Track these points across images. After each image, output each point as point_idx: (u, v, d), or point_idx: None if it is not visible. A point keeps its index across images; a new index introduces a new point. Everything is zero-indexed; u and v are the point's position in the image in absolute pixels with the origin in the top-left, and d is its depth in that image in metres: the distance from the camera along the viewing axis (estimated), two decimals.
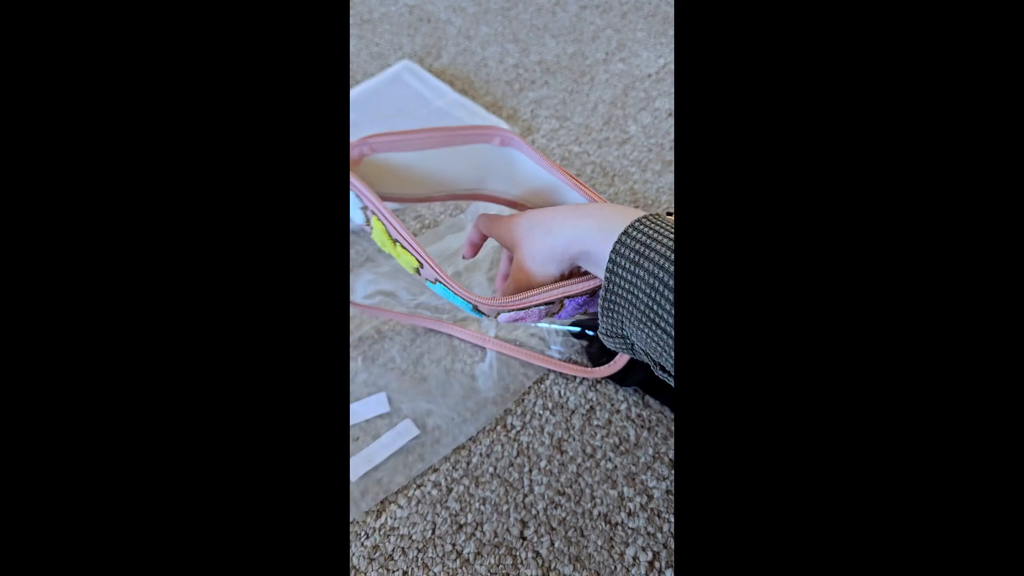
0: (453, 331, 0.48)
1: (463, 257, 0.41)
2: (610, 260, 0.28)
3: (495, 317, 0.36)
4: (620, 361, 0.43)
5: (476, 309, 0.35)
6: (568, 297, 0.33)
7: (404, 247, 0.33)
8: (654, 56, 0.73)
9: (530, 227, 0.34)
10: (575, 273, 0.36)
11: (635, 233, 0.27)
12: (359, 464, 0.42)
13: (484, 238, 0.39)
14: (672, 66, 0.71)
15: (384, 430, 0.43)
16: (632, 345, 0.31)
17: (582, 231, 0.31)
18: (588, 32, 0.77)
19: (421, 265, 0.34)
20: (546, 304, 0.34)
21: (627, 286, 0.28)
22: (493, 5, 0.82)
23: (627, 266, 0.27)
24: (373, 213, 0.33)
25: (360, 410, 0.45)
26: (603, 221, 0.30)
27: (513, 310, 0.33)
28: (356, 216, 0.34)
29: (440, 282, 0.34)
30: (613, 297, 0.29)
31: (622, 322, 0.29)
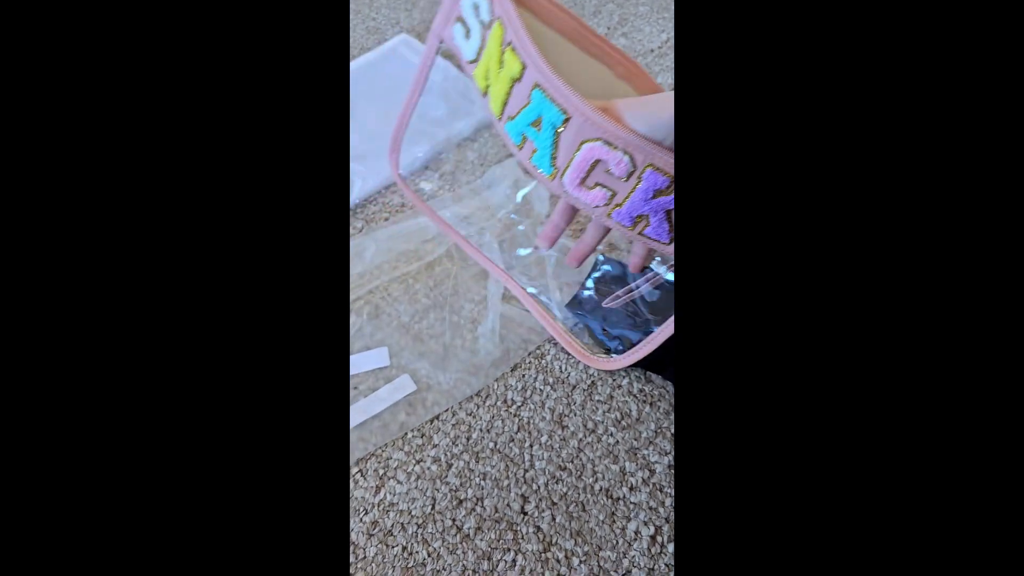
0: (482, 260, 0.46)
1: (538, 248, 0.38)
2: None
3: (561, 177, 0.33)
4: (625, 360, 0.41)
5: (552, 165, 0.33)
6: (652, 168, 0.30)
7: (515, 48, 0.31)
8: (656, 31, 0.71)
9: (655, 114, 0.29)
10: None
11: None
12: (354, 415, 0.41)
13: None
14: (674, 41, 0.70)
15: (382, 384, 0.43)
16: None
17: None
18: (590, 7, 0.76)
19: (521, 75, 0.31)
20: (629, 161, 0.30)
21: None
22: None
23: None
24: (494, 21, 0.32)
25: (359, 362, 0.44)
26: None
27: (606, 145, 0.30)
28: (460, 40, 0.35)
29: (538, 87, 0.31)
30: None
31: None
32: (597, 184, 0.32)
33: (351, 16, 0.76)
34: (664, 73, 0.67)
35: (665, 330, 0.36)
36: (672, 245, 0.34)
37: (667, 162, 0.30)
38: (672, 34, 0.71)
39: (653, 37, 0.71)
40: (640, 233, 0.33)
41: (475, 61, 0.34)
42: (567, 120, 0.30)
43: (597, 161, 0.31)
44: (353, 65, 0.67)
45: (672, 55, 0.68)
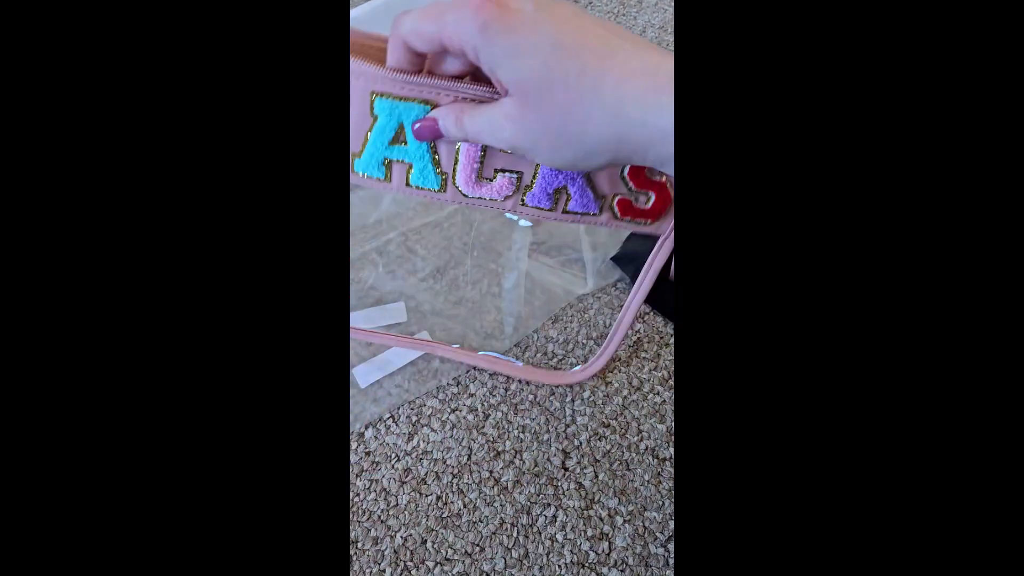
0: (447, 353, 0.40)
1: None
2: None
3: (453, 182, 0.27)
4: (593, 367, 0.38)
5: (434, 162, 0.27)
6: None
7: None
8: (653, 17, 0.67)
9: (553, 66, 0.20)
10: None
11: None
12: (370, 372, 0.39)
13: (420, 60, 0.24)
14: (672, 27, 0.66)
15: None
16: None
17: (667, 123, 0.19)
18: None
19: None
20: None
21: None
22: None
23: None
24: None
25: (375, 316, 0.41)
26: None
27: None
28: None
29: (379, 96, 0.25)
30: None
31: None
32: (497, 171, 0.27)
33: None
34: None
35: (625, 321, 0.34)
36: (604, 214, 0.29)
37: None
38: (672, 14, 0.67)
39: (654, 18, 0.67)
40: (565, 210, 0.28)
41: None
42: (436, 108, 0.24)
43: (485, 149, 0.26)
44: (357, 11, 0.62)
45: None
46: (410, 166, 0.27)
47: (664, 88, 0.19)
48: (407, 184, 0.28)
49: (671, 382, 0.40)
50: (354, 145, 0.26)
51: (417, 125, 0.25)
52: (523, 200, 0.28)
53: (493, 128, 0.22)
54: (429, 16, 0.20)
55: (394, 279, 0.43)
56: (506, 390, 0.39)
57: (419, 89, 0.24)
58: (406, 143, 0.26)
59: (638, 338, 0.41)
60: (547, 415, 0.38)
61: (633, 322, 0.37)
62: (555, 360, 0.41)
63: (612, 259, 0.45)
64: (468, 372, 0.40)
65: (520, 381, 0.39)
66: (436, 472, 0.36)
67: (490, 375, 0.40)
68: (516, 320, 0.42)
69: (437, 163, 0.27)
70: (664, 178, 0.28)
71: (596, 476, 0.36)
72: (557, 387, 0.39)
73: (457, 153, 0.26)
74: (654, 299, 0.42)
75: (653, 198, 0.29)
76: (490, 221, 0.47)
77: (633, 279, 0.37)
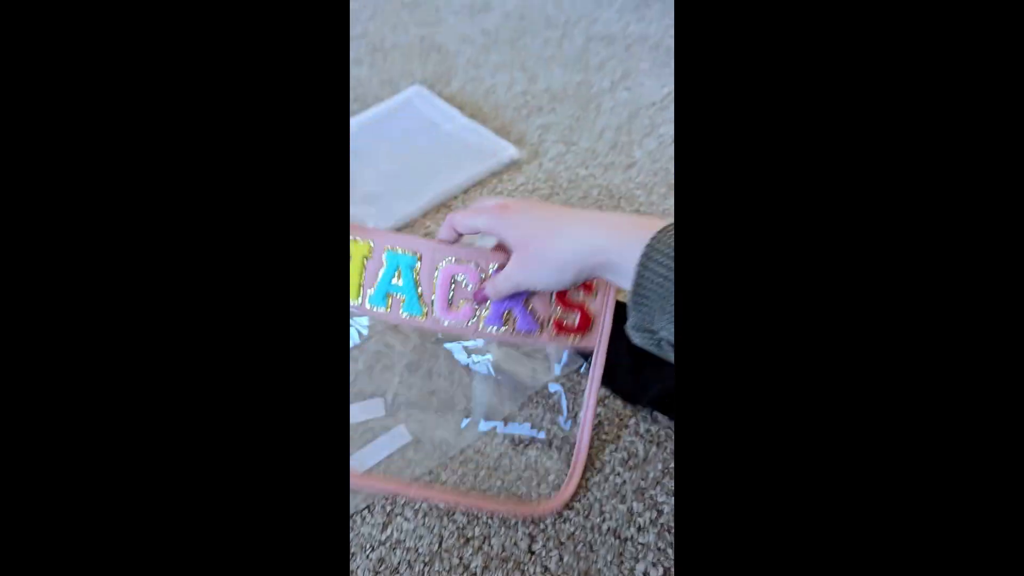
0: None
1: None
2: (644, 256, 0.30)
3: (432, 311, 0.39)
4: (563, 495, 0.40)
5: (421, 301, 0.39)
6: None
7: (357, 238, 0.39)
8: (658, 85, 0.76)
9: (535, 227, 0.35)
10: (587, 285, 0.38)
11: (670, 231, 0.31)
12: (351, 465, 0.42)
13: (459, 237, 0.39)
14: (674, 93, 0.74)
15: (378, 434, 0.43)
16: (660, 341, 0.32)
17: (605, 242, 0.33)
18: (594, 62, 0.80)
19: (371, 252, 0.39)
20: (475, 266, 0.38)
21: (661, 281, 0.29)
22: (502, 36, 0.86)
23: (664, 262, 0.30)
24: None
25: (355, 412, 0.45)
26: (625, 231, 0.32)
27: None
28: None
29: (388, 249, 0.38)
30: (646, 292, 0.30)
31: (652, 316, 0.31)
32: (461, 301, 0.39)
33: (366, 70, 0.80)
34: (666, 125, 0.70)
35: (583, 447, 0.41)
36: (544, 333, 0.39)
37: (504, 258, 0.37)
38: (672, 89, 0.75)
39: (655, 91, 0.75)
40: (513, 331, 0.39)
41: None
42: (420, 257, 0.38)
43: (453, 280, 0.38)
44: (367, 114, 0.71)
45: (671, 109, 0.72)
46: (403, 298, 0.39)
47: (602, 227, 0.33)
48: (401, 313, 0.39)
49: (630, 463, 0.42)
50: (368, 286, 0.39)
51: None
52: (482, 325, 0.39)
53: (508, 278, 0.36)
54: (469, 215, 0.37)
55: (372, 376, 0.47)
56: (475, 477, 0.42)
57: (412, 244, 0.38)
58: (401, 280, 0.39)
59: (599, 421, 0.44)
60: (515, 501, 0.41)
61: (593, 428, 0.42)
62: (521, 446, 0.43)
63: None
64: (440, 462, 0.42)
65: (488, 467, 0.42)
66: (408, 561, 0.38)
67: (460, 462, 0.42)
68: (487, 409, 0.45)
69: (420, 296, 0.39)
70: (583, 299, 0.39)
71: (561, 559, 0.38)
72: (524, 472, 0.42)
73: (435, 287, 0.38)
74: (612, 382, 0.45)
75: (579, 316, 0.39)
76: None
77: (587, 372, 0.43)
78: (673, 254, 0.29)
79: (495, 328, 0.39)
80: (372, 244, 0.38)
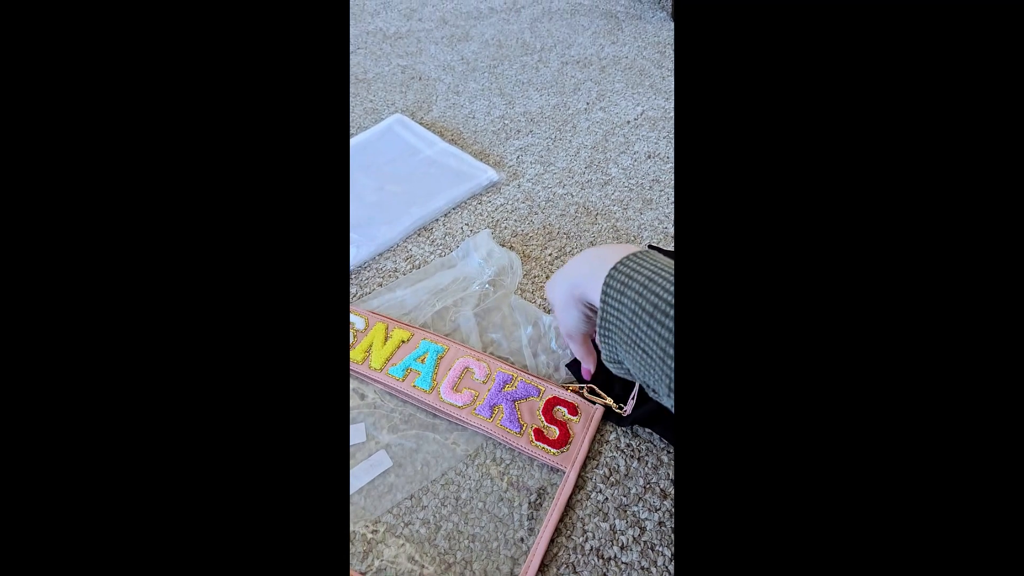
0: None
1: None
2: (603, 292, 0.32)
3: (438, 389, 0.46)
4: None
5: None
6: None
7: (400, 327, 0.51)
8: (632, 105, 0.77)
9: (552, 283, 0.41)
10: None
11: (620, 267, 0.32)
12: None
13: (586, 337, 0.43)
14: (649, 112, 0.75)
15: (358, 460, 0.43)
16: (629, 370, 0.32)
17: (579, 275, 0.36)
18: (569, 85, 0.82)
19: (410, 338, 0.50)
20: (486, 366, 0.48)
21: (616, 314, 0.30)
22: (480, 64, 0.88)
23: (616, 296, 0.31)
24: (369, 328, 0.51)
25: (363, 473, 0.44)
26: (595, 262, 0.34)
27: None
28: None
29: (425, 338, 0.50)
30: (607, 325, 0.32)
31: (616, 348, 0.31)
32: (465, 387, 0.46)
33: (351, 98, 0.82)
34: (640, 142, 0.71)
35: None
36: (524, 437, 0.43)
37: (510, 367, 0.47)
38: (646, 107, 0.76)
39: (629, 111, 0.76)
40: (499, 424, 0.44)
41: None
42: (447, 349, 0.49)
43: (466, 369, 0.47)
44: (353, 141, 0.72)
45: (647, 126, 0.74)
46: (419, 373, 0.47)
47: (579, 266, 0.37)
48: (413, 385, 0.47)
49: (612, 479, 0.42)
50: (394, 362, 0.48)
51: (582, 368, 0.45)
52: (475, 410, 0.45)
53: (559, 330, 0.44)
54: (559, 321, 0.42)
55: (353, 404, 0.47)
56: (457, 500, 0.41)
57: (443, 339, 0.50)
58: (424, 361, 0.48)
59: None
60: (496, 522, 0.40)
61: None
62: (503, 465, 0.43)
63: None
64: (422, 486, 0.42)
65: (470, 489, 0.42)
66: None
67: (442, 485, 0.42)
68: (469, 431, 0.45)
69: (435, 376, 0.47)
70: (565, 418, 0.44)
71: None
72: (505, 492, 0.42)
73: (448, 373, 0.47)
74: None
75: (558, 432, 0.43)
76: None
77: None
78: (629, 285, 0.30)
79: (484, 418, 0.44)
80: (414, 335, 0.49)
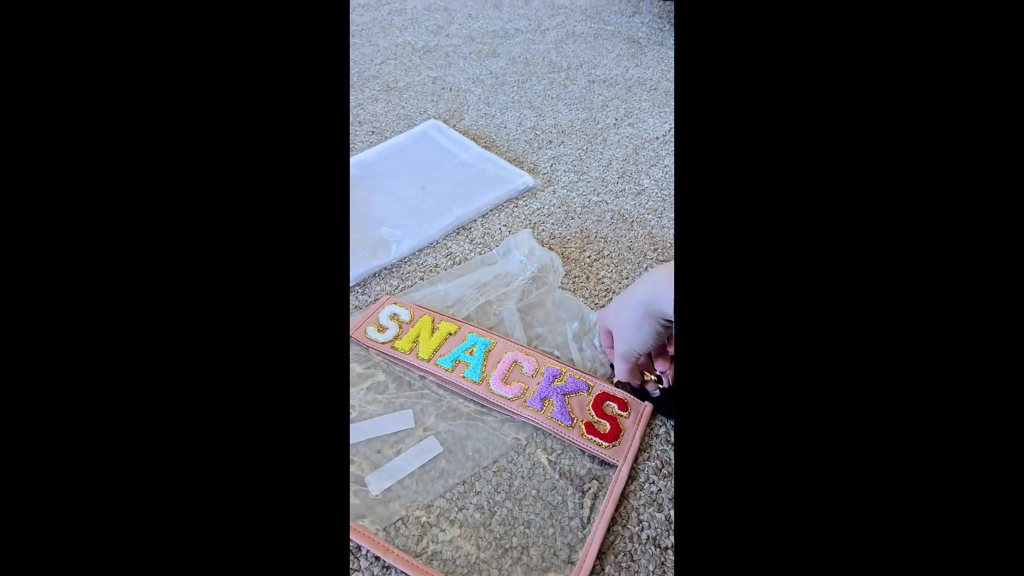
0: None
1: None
2: None
3: (488, 380, 0.47)
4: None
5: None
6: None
7: (446, 320, 0.52)
8: (659, 122, 0.80)
9: (615, 309, 0.42)
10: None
11: None
12: (381, 478, 0.41)
13: (647, 358, 0.45)
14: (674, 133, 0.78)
15: (408, 446, 0.43)
16: None
17: (654, 292, 0.38)
18: (597, 102, 0.85)
19: (457, 331, 0.50)
20: (535, 361, 0.48)
21: None
22: (509, 78, 0.91)
23: None
24: (415, 319, 0.52)
25: (384, 424, 0.44)
26: (671, 278, 0.36)
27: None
28: (374, 334, 0.51)
29: (472, 332, 0.50)
30: None
31: None
32: (514, 380, 0.46)
33: (382, 105, 0.84)
34: (670, 157, 0.74)
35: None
36: (575, 430, 0.44)
37: (559, 362, 0.48)
38: (672, 126, 0.79)
39: (657, 127, 0.79)
40: (550, 416, 0.44)
41: (392, 340, 0.50)
42: (495, 343, 0.49)
43: (515, 363, 0.47)
44: (385, 145, 0.73)
45: (674, 143, 0.76)
46: (468, 365, 0.47)
47: (651, 284, 0.39)
48: (462, 376, 0.47)
49: (664, 471, 0.42)
50: (442, 353, 0.48)
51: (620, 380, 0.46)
52: (525, 402, 0.45)
53: (616, 353, 0.44)
54: (625, 343, 0.43)
55: (400, 389, 0.47)
56: (510, 486, 0.41)
57: (489, 334, 0.50)
58: (473, 353, 0.48)
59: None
60: (550, 509, 0.40)
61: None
62: (554, 454, 0.43)
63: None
64: (474, 472, 0.42)
65: (523, 476, 0.42)
66: (447, 573, 0.37)
67: (494, 472, 0.42)
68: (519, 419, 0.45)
69: (484, 368, 0.47)
70: (615, 413, 0.45)
71: (602, 569, 0.37)
72: (558, 481, 0.41)
73: (496, 366, 0.47)
74: (650, 398, 0.46)
75: (609, 427, 0.44)
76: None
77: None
78: None
79: (535, 410, 0.45)
80: (460, 328, 0.50)
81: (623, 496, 0.41)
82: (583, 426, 0.44)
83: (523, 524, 0.39)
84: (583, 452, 0.43)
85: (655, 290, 0.38)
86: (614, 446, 0.43)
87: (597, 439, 0.43)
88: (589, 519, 0.39)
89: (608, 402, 0.45)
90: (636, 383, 0.45)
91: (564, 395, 0.45)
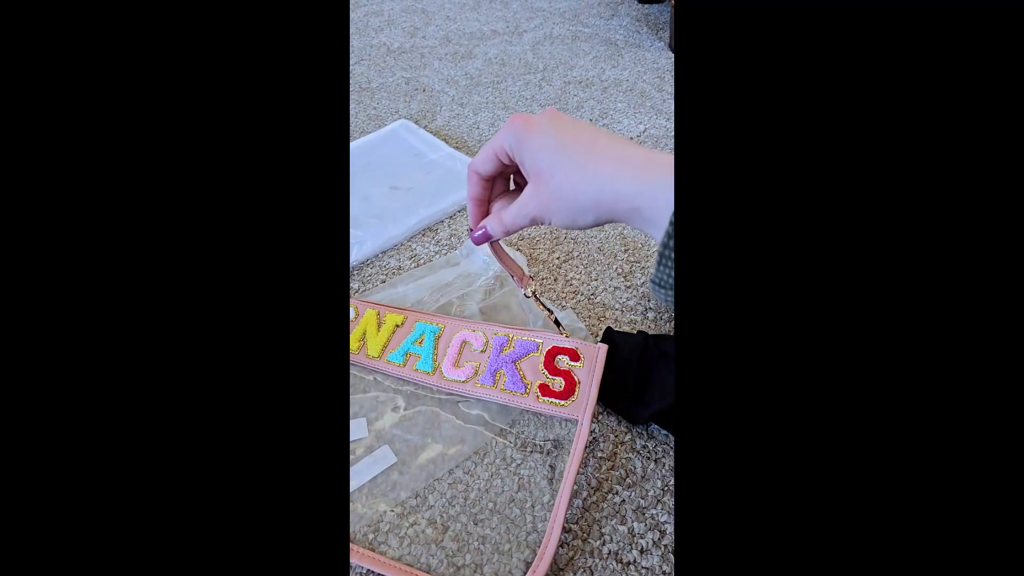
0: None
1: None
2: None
3: (440, 367, 0.44)
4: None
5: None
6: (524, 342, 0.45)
7: (391, 312, 0.49)
8: (635, 123, 0.79)
9: (558, 158, 0.31)
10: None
11: None
12: None
13: (487, 189, 0.37)
14: (652, 131, 0.77)
15: (359, 457, 0.40)
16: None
17: (633, 188, 0.29)
18: (572, 102, 0.83)
19: (404, 322, 0.48)
20: (483, 335, 0.46)
21: None
22: (484, 79, 0.89)
23: None
24: (359, 316, 0.49)
25: (365, 469, 0.41)
26: (655, 176, 0.28)
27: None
28: None
29: (419, 320, 0.48)
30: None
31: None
32: (466, 361, 0.44)
33: (353, 106, 0.82)
34: None
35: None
36: (530, 395, 0.42)
37: (506, 328, 0.46)
38: (648, 125, 0.78)
39: (632, 128, 0.78)
40: (503, 388, 0.43)
41: None
42: (443, 328, 0.47)
43: (464, 343, 0.46)
44: (356, 143, 0.71)
45: (650, 143, 0.75)
46: (419, 356, 0.45)
47: (629, 168, 0.29)
48: (414, 368, 0.45)
49: (628, 480, 0.40)
50: (391, 348, 0.46)
51: (476, 234, 0.39)
52: (478, 382, 0.43)
53: (520, 209, 0.34)
54: (487, 146, 0.35)
55: (353, 396, 0.45)
56: (465, 499, 0.39)
57: (437, 319, 0.48)
58: (423, 343, 0.46)
59: (593, 438, 0.42)
60: (507, 523, 0.38)
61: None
62: (513, 465, 0.41)
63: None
64: (427, 484, 0.40)
65: (479, 489, 0.39)
66: None
67: (449, 484, 0.39)
68: (486, 416, 0.43)
69: (435, 357, 0.45)
70: (568, 366, 0.43)
71: None
72: (516, 493, 0.39)
73: (447, 351, 0.45)
74: (613, 403, 0.44)
75: (564, 383, 0.42)
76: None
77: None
78: None
79: (488, 387, 0.43)
80: (406, 317, 0.48)
81: (584, 508, 0.39)
82: (537, 390, 0.42)
83: (478, 540, 0.37)
84: (539, 416, 0.41)
85: (633, 188, 0.29)
86: (571, 402, 0.42)
87: (553, 399, 0.42)
88: (551, 481, 0.39)
89: (559, 356, 0.44)
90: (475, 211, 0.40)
91: (514, 362, 0.44)
